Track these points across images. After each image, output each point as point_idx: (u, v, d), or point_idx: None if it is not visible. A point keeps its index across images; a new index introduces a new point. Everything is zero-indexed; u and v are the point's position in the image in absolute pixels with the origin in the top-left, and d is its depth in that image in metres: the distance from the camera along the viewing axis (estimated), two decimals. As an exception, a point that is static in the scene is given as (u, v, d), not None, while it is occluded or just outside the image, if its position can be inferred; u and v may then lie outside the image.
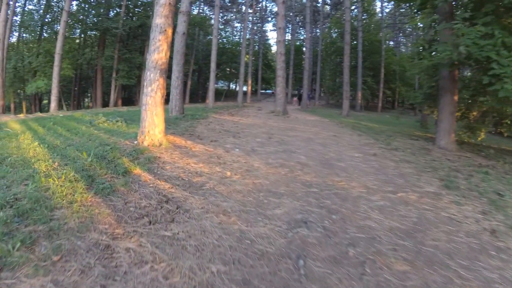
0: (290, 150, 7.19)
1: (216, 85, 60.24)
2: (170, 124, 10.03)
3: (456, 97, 10.39)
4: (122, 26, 28.15)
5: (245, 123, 12.11)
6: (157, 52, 6.34)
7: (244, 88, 38.57)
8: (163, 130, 6.65)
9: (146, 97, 6.39)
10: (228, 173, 4.95)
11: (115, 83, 28.70)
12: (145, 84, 6.49)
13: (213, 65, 20.34)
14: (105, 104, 30.84)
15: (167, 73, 6.88)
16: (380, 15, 39.16)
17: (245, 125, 11.31)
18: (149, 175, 4.63)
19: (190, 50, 34.63)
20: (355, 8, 33.67)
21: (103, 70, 31.57)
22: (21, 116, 18.90)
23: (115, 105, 31.79)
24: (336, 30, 34.54)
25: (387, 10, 40.25)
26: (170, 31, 6.55)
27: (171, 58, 8.90)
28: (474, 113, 12.00)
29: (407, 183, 5.35)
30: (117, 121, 10.66)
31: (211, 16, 43.02)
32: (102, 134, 8.25)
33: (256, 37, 49.31)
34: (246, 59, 38.52)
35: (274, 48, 59.84)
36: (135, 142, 6.57)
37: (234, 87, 60.39)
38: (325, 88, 38.87)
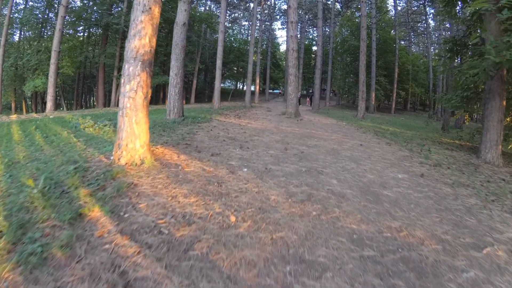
0: (315, 169, 5.44)
1: (223, 85, 58.60)
2: (165, 130, 8.41)
3: (504, 102, 8.59)
4: (124, 22, 26.50)
5: (254, 127, 10.38)
6: (138, 37, 4.62)
7: (252, 88, 36.90)
8: (146, 143, 4.94)
9: (124, 99, 4.67)
10: (233, 218, 3.21)
11: (116, 82, 27.05)
12: (122, 81, 4.77)
13: (219, 62, 18.63)
14: (110, 103, 29.31)
15: (152, 66, 5.13)
16: (392, 12, 37.21)
17: (254, 131, 9.58)
18: (110, 223, 2.97)
19: (196, 48, 32.91)
20: (369, 5, 31.72)
21: (105, 68, 30.02)
22: (13, 117, 17.40)
23: (116, 105, 30.26)
24: (348, 28, 32.59)
25: (399, 8, 38.19)
26: (156, 11, 4.81)
27: (166, 52, 7.23)
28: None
29: (481, 225, 3.71)
30: (105, 125, 9.06)
31: (218, 13, 41.29)
32: (80, 144, 6.69)
33: (265, 35, 47.52)
34: (254, 58, 36.88)
35: (282, 47, 58.06)
36: (112, 158, 4.87)
37: (241, 86, 58.73)
38: (336, 88, 37.01)
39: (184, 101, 17.53)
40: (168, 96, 11.02)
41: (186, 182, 4.22)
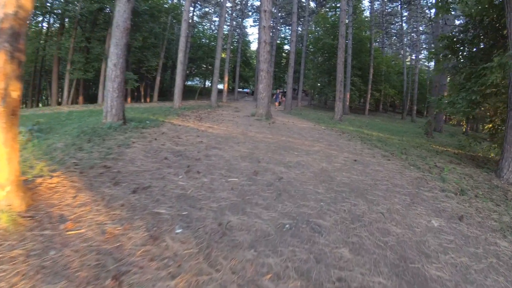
0: (306, 221, 3.14)
1: (191, 83, 55.63)
2: (91, 141, 5.92)
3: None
4: (80, 9, 23.39)
5: (215, 134, 8.02)
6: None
7: (221, 86, 34.39)
8: (13, 179, 2.54)
9: None
10: None
11: (69, 77, 23.83)
12: None
13: (181, 56, 16.07)
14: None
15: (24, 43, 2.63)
16: (368, 12, 35.77)
17: (215, 139, 7.22)
18: None
19: (161, 42, 30.00)
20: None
21: (60, 62, 26.71)
22: None
23: (74, 102, 26.98)
24: (322, 26, 30.73)
25: (375, 7, 36.82)
26: None
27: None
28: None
29: None
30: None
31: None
32: None
33: (236, 32, 45.09)
34: (223, 55, 34.41)
35: (253, 46, 55.77)
36: None
37: (210, 85, 55.83)
38: (308, 88, 35.18)
39: (148, 99, 15.10)
40: (105, 93, 8.44)
41: (54, 272, 1.85)
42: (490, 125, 11.51)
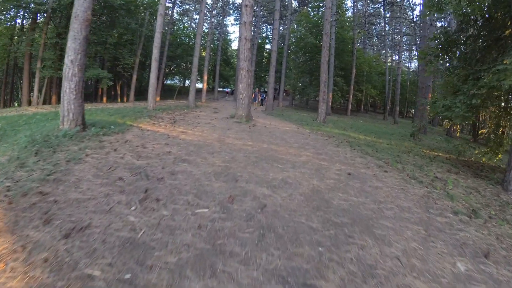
0: (302, 279, 2.22)
1: (170, 81, 54.00)
2: (39, 153, 4.90)
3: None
4: (53, 3, 21.77)
5: (188, 141, 6.99)
6: None
7: (200, 85, 33.17)
8: None
9: None
10: None
11: (39, 75, 22.13)
12: None
13: (155, 52, 14.87)
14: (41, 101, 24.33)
15: None
16: (351, 12, 35.30)
17: (186, 148, 6.20)
18: None
19: (138, 38, 28.52)
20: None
21: (33, 59, 24.91)
22: None
23: (48, 102, 25.29)
24: (305, 25, 29.92)
25: (358, 7, 36.23)
26: None
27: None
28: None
29: None
30: None
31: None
32: None
33: (216, 31, 43.88)
34: (203, 53, 33.20)
35: (234, 45, 54.58)
36: None
37: (190, 83, 54.35)
38: (290, 88, 34.37)
39: (126, 99, 13.84)
40: (61, 94, 7.21)
41: None
42: (484, 130, 10.90)
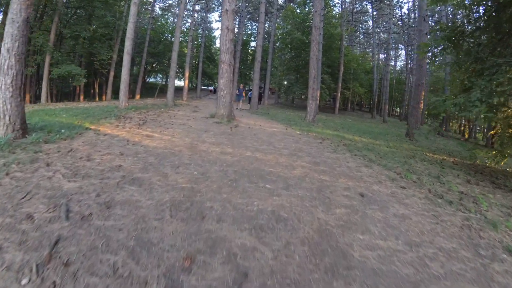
0: None
1: (153, 79, 51.92)
2: None
3: None
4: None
5: (150, 149, 5.48)
6: None
7: (182, 83, 31.41)
8: None
9: None
10: None
11: None
12: None
13: (128, 45, 13.14)
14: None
15: None
16: (339, 9, 34.06)
17: (145, 160, 4.70)
18: None
19: (115, 33, 26.52)
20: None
21: None
22: None
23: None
24: (291, 21, 28.49)
25: (346, 4, 35.02)
26: None
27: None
28: None
29: None
30: None
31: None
32: None
33: (200, 27, 42.09)
34: (184, 50, 31.44)
35: (218, 42, 52.73)
36: None
37: (177, 82, 52.15)
38: (275, 85, 32.96)
39: (104, 97, 12.13)
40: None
41: None
42: (493, 131, 9.77)
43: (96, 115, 9.83)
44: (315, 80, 15.12)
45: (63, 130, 6.38)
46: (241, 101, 20.68)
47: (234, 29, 11.31)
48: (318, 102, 24.50)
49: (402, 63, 50.36)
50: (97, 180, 3.60)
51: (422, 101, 17.52)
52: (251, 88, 32.20)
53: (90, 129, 6.99)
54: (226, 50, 10.69)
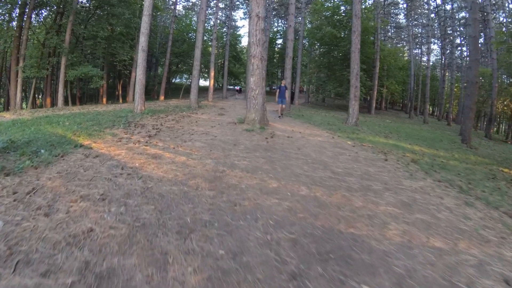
0: None
1: (178, 80, 50.63)
2: None
3: None
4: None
5: (154, 181, 3.60)
6: None
7: (207, 83, 29.69)
8: None
9: None
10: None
11: (20, 75, 18.78)
12: None
13: (142, 40, 11.33)
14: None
15: None
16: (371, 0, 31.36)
17: (137, 214, 2.77)
18: None
19: (135, 32, 24.82)
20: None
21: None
22: None
23: (43, 105, 22.10)
24: (321, 15, 26.17)
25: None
26: None
27: None
28: None
29: None
30: None
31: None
32: None
33: (225, 26, 40.26)
34: (209, 48, 29.64)
35: (244, 41, 50.77)
36: None
37: (202, 82, 50.41)
38: (306, 84, 30.66)
39: (128, 99, 10.50)
40: None
41: None
42: None
43: (103, 123, 8.11)
44: (358, 77, 12.88)
45: (42, 151, 4.57)
46: (285, 105, 13.63)
47: (265, 17, 9.29)
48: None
49: (434, 58, 46.75)
50: (33, 280, 1.69)
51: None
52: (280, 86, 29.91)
53: (82, 145, 5.16)
54: (256, 42, 8.69)
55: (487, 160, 8.63)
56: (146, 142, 5.77)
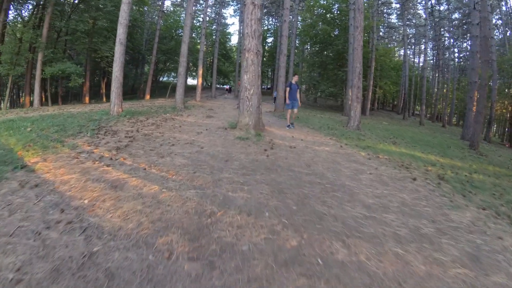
0: None
1: (166, 78, 48.63)
2: None
3: None
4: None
5: (99, 246, 2.18)
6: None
7: (195, 82, 28.15)
8: None
9: None
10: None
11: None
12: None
13: (120, 32, 9.80)
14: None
15: None
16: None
17: None
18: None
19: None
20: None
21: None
22: None
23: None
24: (314, 12, 24.89)
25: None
26: None
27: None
28: None
29: None
30: None
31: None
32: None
33: (214, 23, 38.59)
34: (197, 46, 28.04)
35: (234, 39, 49.17)
36: None
37: (191, 81, 48.61)
38: (298, 82, 29.52)
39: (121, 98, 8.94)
40: None
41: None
42: None
43: (70, 128, 6.65)
44: (360, 77, 11.60)
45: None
46: (296, 109, 10.09)
47: (262, 5, 7.94)
48: (350, 102, 20.97)
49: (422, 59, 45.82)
50: None
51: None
52: (269, 86, 28.52)
53: (25, 166, 3.76)
54: (252, 34, 7.33)
55: (506, 171, 7.49)
56: (111, 158, 4.36)
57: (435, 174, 5.42)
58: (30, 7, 19.96)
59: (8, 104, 28.92)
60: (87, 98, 24.13)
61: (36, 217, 2.56)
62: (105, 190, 3.15)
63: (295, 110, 9.98)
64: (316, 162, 5.21)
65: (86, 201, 2.88)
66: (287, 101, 9.85)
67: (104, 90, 28.75)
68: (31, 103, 20.23)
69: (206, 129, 7.83)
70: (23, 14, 21.47)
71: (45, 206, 2.77)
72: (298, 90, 10.06)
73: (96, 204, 2.83)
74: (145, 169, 3.94)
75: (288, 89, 9.92)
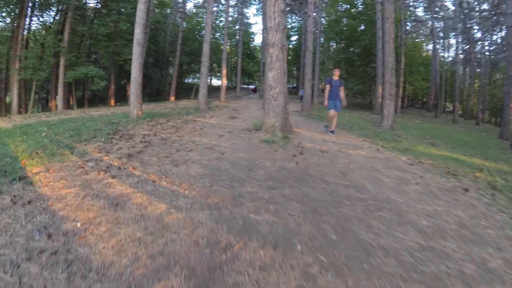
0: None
1: (191, 80, 48.74)
2: None
3: None
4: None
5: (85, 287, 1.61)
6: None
7: (219, 82, 27.83)
8: None
9: None
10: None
11: (16, 78, 17.12)
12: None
13: (138, 32, 9.30)
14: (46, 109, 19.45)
15: None
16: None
17: None
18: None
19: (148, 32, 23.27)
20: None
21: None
22: None
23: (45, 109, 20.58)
24: (338, 7, 24.00)
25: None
26: None
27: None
28: None
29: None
30: None
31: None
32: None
33: (237, 23, 38.20)
34: (220, 47, 27.71)
35: (257, 39, 48.64)
36: None
37: (216, 81, 48.41)
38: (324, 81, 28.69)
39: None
40: None
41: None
42: None
43: (86, 132, 6.31)
44: (393, 72, 10.75)
45: None
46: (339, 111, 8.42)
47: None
48: (380, 99, 19.99)
49: (453, 53, 43.56)
50: None
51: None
52: (294, 86, 27.61)
53: (24, 178, 3.33)
54: (275, 27, 6.72)
55: None
56: (119, 167, 3.86)
57: (485, 181, 4.62)
58: (53, 13, 20.14)
59: (40, 108, 29.63)
60: (112, 101, 24.32)
61: (19, 243, 2.08)
62: (103, 210, 2.64)
63: (334, 113, 8.09)
64: (353, 169, 4.52)
65: (78, 224, 2.37)
66: (325, 102, 8.15)
67: (129, 93, 28.96)
68: (56, 107, 20.49)
69: (229, 132, 7.29)
70: (45, 20, 21.86)
71: (32, 229, 2.28)
72: (342, 88, 8.17)
73: (89, 228, 2.31)
74: (154, 181, 3.40)
75: (328, 86, 8.17)
